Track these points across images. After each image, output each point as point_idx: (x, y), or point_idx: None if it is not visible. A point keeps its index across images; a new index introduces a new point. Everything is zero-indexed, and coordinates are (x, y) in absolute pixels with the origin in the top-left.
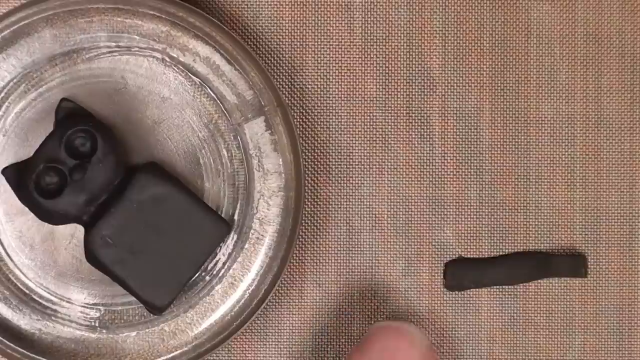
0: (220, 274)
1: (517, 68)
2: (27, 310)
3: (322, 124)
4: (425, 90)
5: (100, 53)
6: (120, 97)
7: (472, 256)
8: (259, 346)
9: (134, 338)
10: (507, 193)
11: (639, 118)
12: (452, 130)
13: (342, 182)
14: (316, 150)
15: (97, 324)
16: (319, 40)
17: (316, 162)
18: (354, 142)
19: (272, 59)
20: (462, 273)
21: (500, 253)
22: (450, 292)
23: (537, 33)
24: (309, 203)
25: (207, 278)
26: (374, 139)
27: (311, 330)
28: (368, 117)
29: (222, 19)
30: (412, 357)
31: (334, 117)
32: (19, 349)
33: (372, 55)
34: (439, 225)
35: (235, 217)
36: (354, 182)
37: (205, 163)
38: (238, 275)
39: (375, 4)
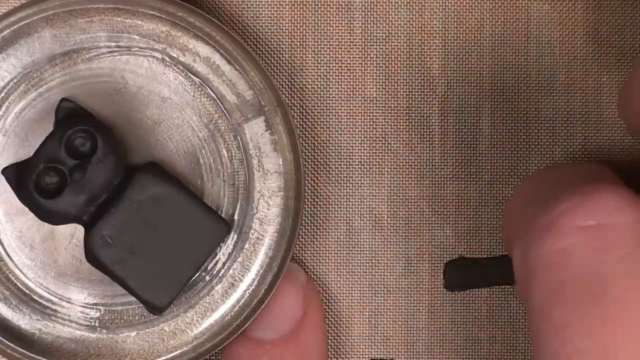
0: (220, 274)
1: (517, 68)
2: (27, 310)
3: (322, 124)
4: (425, 90)
5: (100, 53)
6: (120, 97)
7: (472, 256)
8: None
9: (134, 338)
10: (507, 193)
11: None
12: (452, 130)
13: (342, 182)
14: (316, 150)
15: (97, 324)
16: (319, 40)
17: (316, 162)
18: (354, 142)
19: (272, 59)
20: (462, 273)
21: (500, 253)
22: (450, 292)
23: (537, 33)
24: (309, 203)
25: (207, 278)
26: (374, 139)
27: None
28: (368, 117)
29: (222, 19)
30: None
31: (334, 117)
32: (19, 349)
33: (372, 55)
34: (439, 225)
35: (235, 217)
36: (354, 182)
37: (205, 163)
38: (238, 275)
39: (375, 4)
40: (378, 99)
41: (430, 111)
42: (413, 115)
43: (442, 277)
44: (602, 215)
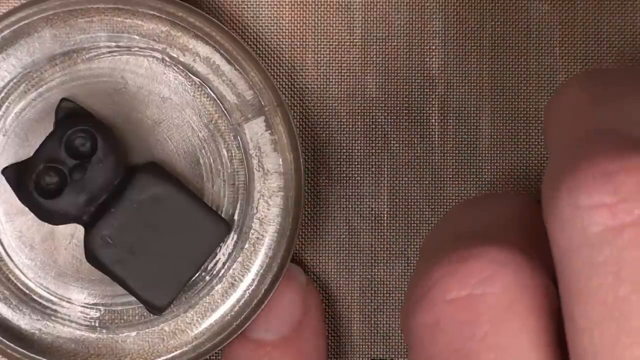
0: (220, 274)
1: (517, 68)
2: (27, 310)
3: (322, 124)
4: (425, 90)
5: (100, 53)
6: (120, 97)
7: None
8: None
9: (134, 338)
10: None
11: None
12: (452, 130)
13: (342, 182)
14: (316, 150)
15: (97, 324)
16: (319, 40)
17: (316, 162)
18: (354, 142)
19: (272, 59)
20: None
21: None
22: None
23: (537, 33)
24: (309, 203)
25: (207, 278)
26: (374, 139)
27: None
28: (368, 117)
29: (222, 19)
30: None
31: (334, 117)
32: (19, 349)
33: (372, 55)
34: None
35: (235, 217)
36: (354, 182)
37: (205, 163)
38: (238, 275)
39: (375, 4)
40: (378, 99)
41: (430, 111)
42: (413, 115)
43: None
44: (472, 284)
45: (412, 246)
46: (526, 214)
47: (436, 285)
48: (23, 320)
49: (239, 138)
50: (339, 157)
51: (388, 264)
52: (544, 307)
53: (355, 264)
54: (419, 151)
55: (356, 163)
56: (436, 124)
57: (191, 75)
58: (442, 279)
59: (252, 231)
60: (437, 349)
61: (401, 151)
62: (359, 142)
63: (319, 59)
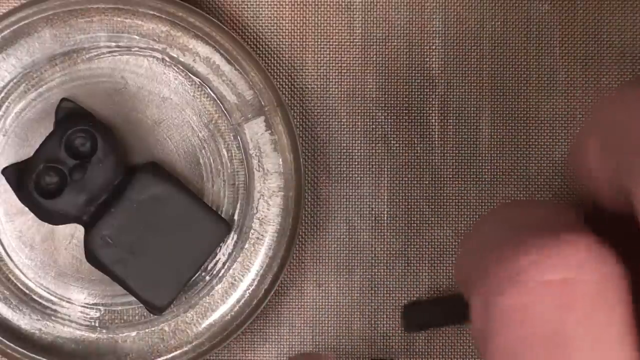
0: (220, 274)
1: (517, 68)
2: (27, 310)
3: (322, 124)
4: (425, 90)
5: (100, 53)
6: (120, 97)
7: (428, 298)
8: (259, 346)
9: (134, 338)
10: (507, 193)
11: None
12: (452, 130)
13: (342, 182)
14: (316, 150)
15: (97, 324)
16: (319, 40)
17: (316, 162)
18: (354, 142)
19: (272, 59)
20: (419, 315)
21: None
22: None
23: (537, 33)
24: (309, 203)
25: (207, 278)
26: (374, 139)
27: (311, 330)
28: (368, 117)
29: (222, 19)
30: None
31: (334, 117)
32: (19, 349)
33: (372, 55)
34: (439, 225)
35: (235, 217)
36: (354, 182)
37: (205, 163)
38: (238, 275)
39: (375, 4)
40: (378, 99)
41: (430, 111)
42: (413, 115)
43: (401, 318)
44: (567, 268)
45: (412, 246)
46: (574, 216)
47: (530, 266)
48: (23, 320)
49: (239, 138)
50: (339, 157)
51: (388, 264)
52: (629, 299)
53: (355, 264)
54: (419, 151)
55: (356, 163)
56: (436, 124)
57: (191, 75)
58: (538, 262)
59: (252, 231)
60: (527, 330)
61: (401, 151)
62: (359, 142)
63: (319, 59)
